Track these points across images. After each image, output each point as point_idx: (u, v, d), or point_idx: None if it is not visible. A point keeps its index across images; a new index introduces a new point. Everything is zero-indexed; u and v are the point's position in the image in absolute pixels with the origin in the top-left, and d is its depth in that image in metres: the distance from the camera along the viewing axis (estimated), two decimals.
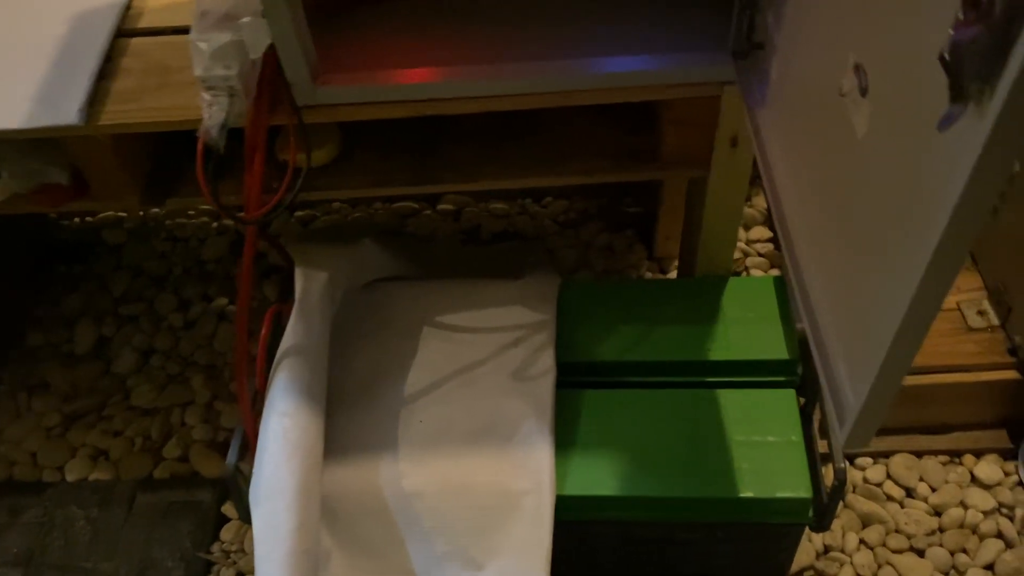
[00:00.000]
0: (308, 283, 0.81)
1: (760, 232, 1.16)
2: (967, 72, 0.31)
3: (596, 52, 0.72)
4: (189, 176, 0.78)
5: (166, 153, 0.85)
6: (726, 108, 0.73)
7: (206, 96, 0.69)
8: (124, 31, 0.80)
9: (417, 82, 0.72)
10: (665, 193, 1.05)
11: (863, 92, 0.46)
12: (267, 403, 0.74)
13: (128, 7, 0.82)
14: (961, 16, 0.31)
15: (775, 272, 1.12)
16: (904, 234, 0.41)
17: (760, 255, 1.14)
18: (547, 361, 0.80)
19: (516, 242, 1.17)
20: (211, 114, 0.68)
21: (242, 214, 0.73)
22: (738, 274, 1.12)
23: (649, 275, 1.14)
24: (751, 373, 0.81)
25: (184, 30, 0.80)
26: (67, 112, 0.72)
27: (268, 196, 0.73)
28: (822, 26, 0.54)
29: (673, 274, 1.13)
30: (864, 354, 0.45)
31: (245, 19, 0.65)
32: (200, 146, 0.68)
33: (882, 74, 0.44)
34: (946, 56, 0.32)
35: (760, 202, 1.19)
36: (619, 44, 0.73)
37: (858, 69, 0.46)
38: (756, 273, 1.13)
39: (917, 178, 0.40)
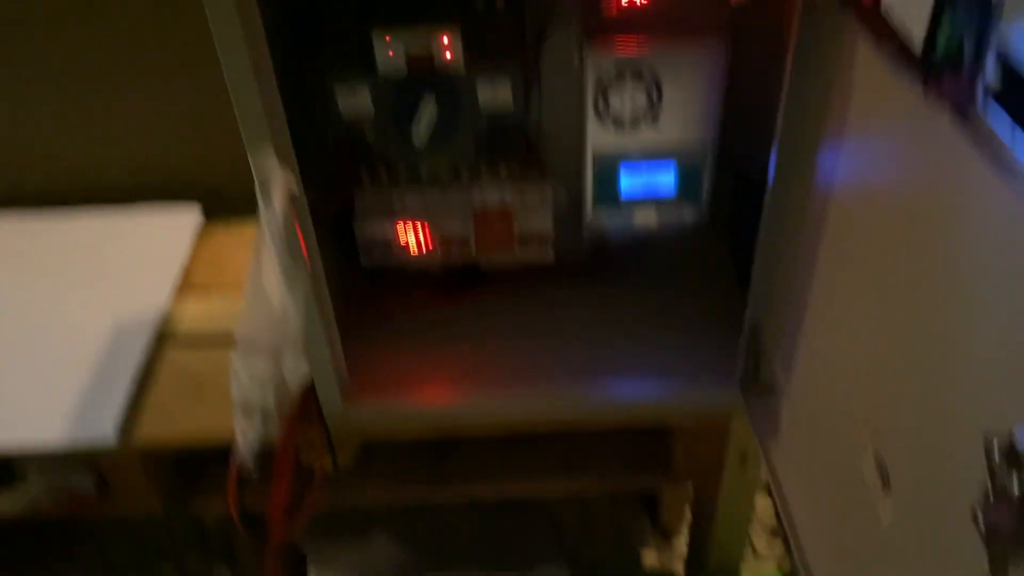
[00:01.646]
0: None
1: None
2: (1004, 548, 0.34)
3: (608, 377, 0.77)
4: (212, 472, 0.80)
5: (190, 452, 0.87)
6: (736, 428, 0.77)
7: (241, 420, 0.72)
8: (160, 341, 0.85)
9: (439, 404, 0.76)
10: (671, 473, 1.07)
11: (885, 483, 0.49)
12: None
13: (165, 317, 0.87)
14: (992, 497, 0.34)
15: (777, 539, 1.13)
16: None
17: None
18: None
19: (523, 515, 1.17)
20: (246, 442, 0.70)
21: (266, 531, 0.74)
22: None
23: (654, 550, 1.14)
24: None
25: (217, 341, 0.85)
26: (103, 431, 0.75)
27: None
28: (837, 395, 0.58)
29: (679, 546, 1.13)
30: None
31: (286, 355, 0.69)
32: (233, 472, 0.70)
33: (906, 468, 0.47)
34: (981, 526, 0.35)
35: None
36: (630, 368, 0.78)
37: (879, 462, 0.49)
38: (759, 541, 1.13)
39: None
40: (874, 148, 0.49)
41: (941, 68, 0.37)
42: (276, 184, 0.60)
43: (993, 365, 0.37)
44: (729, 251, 0.83)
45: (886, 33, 0.41)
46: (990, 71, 0.34)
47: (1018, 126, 0.32)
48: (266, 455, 0.73)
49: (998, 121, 0.34)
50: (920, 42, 0.38)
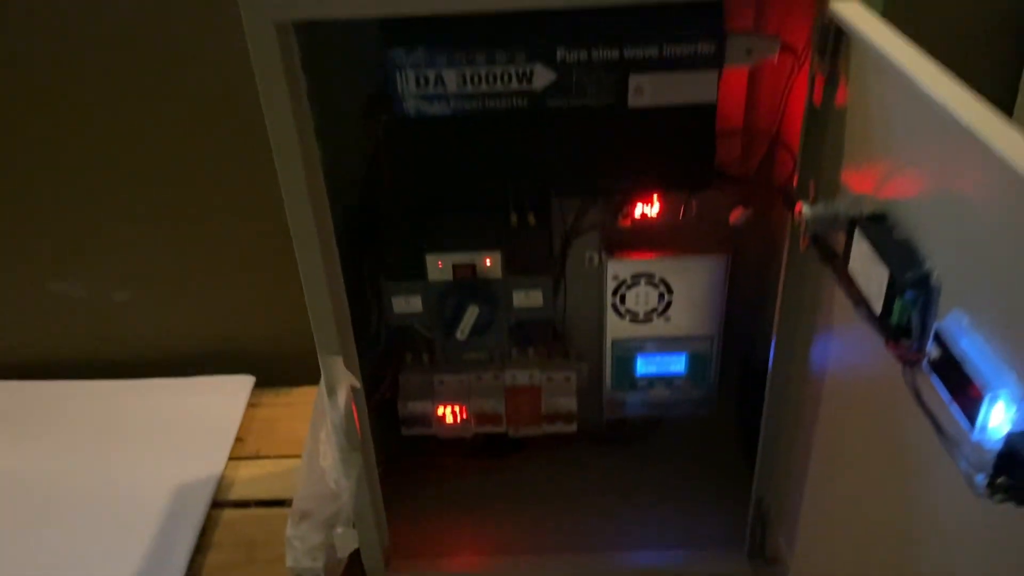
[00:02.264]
0: None
1: None
2: None
3: (626, 546, 0.84)
4: None
5: None
6: None
7: None
8: (217, 502, 0.92)
9: (474, 571, 0.83)
10: None
11: None
12: None
13: (221, 478, 0.95)
14: None
15: None
16: None
17: None
18: None
19: None
20: None
21: None
22: None
23: None
24: None
25: (268, 503, 0.92)
26: None
27: None
28: (837, 568, 0.65)
29: None
30: None
31: (339, 529, 0.77)
32: None
33: None
34: None
35: None
36: (647, 538, 0.85)
37: None
38: None
39: None
40: (852, 353, 0.58)
41: (896, 333, 0.46)
42: (341, 382, 0.70)
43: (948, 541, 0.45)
44: (737, 429, 0.91)
45: (854, 292, 0.51)
46: (931, 344, 0.44)
47: (948, 392, 0.41)
48: None
49: (938, 384, 0.43)
50: (879, 310, 0.47)
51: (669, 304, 0.81)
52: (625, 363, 0.84)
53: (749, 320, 0.85)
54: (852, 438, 0.60)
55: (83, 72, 0.93)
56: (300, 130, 0.60)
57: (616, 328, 0.83)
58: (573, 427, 0.87)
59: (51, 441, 1.00)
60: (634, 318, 0.82)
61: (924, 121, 0.45)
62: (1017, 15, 0.92)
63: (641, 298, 0.81)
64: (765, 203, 0.76)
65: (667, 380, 0.85)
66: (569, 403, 0.85)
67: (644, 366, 0.84)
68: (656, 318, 0.82)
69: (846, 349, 0.59)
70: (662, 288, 0.80)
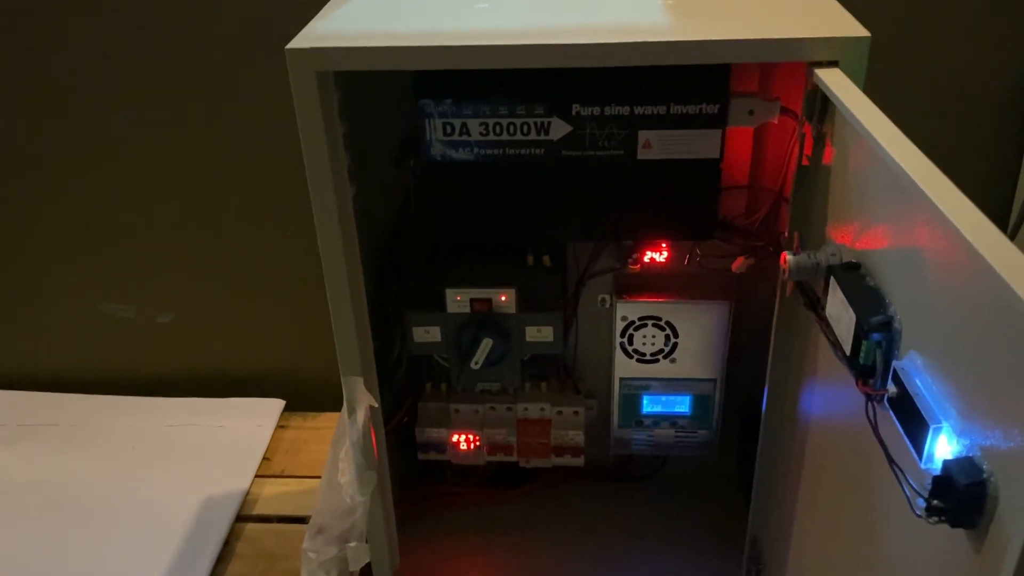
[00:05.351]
0: None
1: None
2: None
3: None
4: None
5: None
6: None
7: None
8: (241, 516, 0.98)
9: None
10: None
11: None
12: None
13: (247, 493, 1.00)
14: None
15: None
16: None
17: None
18: None
19: None
20: None
21: None
22: None
23: None
24: None
25: (289, 519, 0.97)
26: None
27: None
28: None
29: None
30: None
31: (352, 543, 0.81)
32: None
33: None
34: None
35: None
36: (647, 570, 0.89)
37: None
38: None
39: None
40: (832, 395, 0.62)
41: (863, 372, 0.50)
42: (361, 402, 0.75)
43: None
44: (739, 472, 0.94)
45: (831, 335, 0.55)
46: (890, 384, 0.48)
47: (901, 426, 0.45)
48: None
49: (894, 418, 0.47)
50: (849, 351, 0.52)
51: (675, 346, 0.85)
52: (632, 401, 0.88)
53: (753, 367, 0.88)
54: (828, 476, 0.64)
55: (143, 111, 1.01)
56: (335, 170, 0.66)
57: (624, 367, 0.87)
58: (580, 461, 0.91)
59: (90, 452, 1.06)
60: (641, 358, 0.86)
61: (887, 182, 0.49)
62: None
63: (648, 339, 0.85)
64: (767, 255, 0.80)
65: (672, 420, 0.89)
66: (577, 437, 0.90)
67: (650, 405, 0.88)
68: (662, 359, 0.86)
69: (827, 392, 0.63)
70: (668, 331, 0.84)
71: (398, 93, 0.73)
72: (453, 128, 0.72)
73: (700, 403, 0.88)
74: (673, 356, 0.86)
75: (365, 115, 0.75)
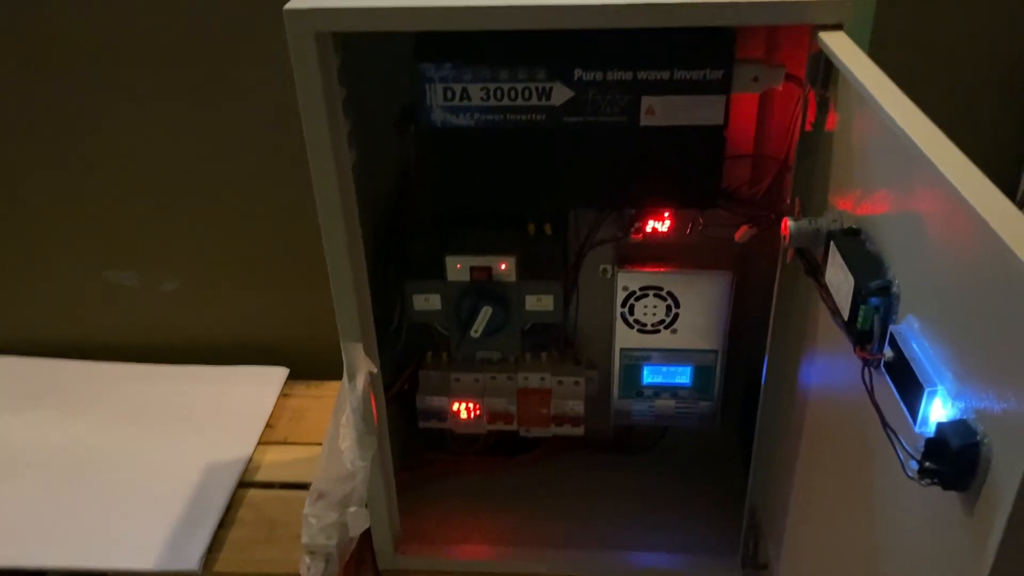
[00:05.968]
0: None
1: None
2: None
3: (627, 547, 0.88)
4: None
5: None
6: None
7: (307, 559, 0.84)
8: (244, 482, 0.98)
9: (479, 559, 0.88)
10: None
11: None
12: None
13: (249, 460, 1.01)
14: None
15: None
16: None
17: None
18: None
19: None
20: None
21: None
22: None
23: None
24: None
25: (291, 485, 0.98)
26: (189, 559, 0.87)
27: None
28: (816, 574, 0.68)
29: None
30: None
31: (352, 508, 0.82)
32: None
33: None
34: None
35: None
36: (648, 541, 0.89)
37: None
38: None
39: None
40: (831, 362, 0.62)
41: (860, 337, 0.50)
42: (360, 367, 0.75)
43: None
44: (739, 443, 0.94)
45: (830, 301, 0.55)
46: (887, 348, 0.47)
47: (897, 390, 0.45)
48: None
49: (890, 382, 0.46)
50: (847, 317, 0.51)
51: (676, 317, 0.85)
52: (632, 372, 0.88)
53: (755, 339, 0.88)
54: (827, 444, 0.64)
55: (146, 77, 1.01)
56: (334, 136, 0.66)
57: (625, 337, 0.87)
58: (580, 430, 0.91)
59: (96, 417, 1.07)
60: (642, 329, 0.86)
61: (889, 143, 0.49)
62: None
63: (649, 310, 0.85)
64: (770, 225, 0.79)
65: (672, 391, 0.89)
66: (577, 407, 0.90)
67: (650, 376, 0.88)
68: (663, 330, 0.86)
69: (827, 360, 0.63)
70: (669, 301, 0.84)
71: (399, 58, 0.73)
72: (454, 93, 0.71)
73: (701, 374, 0.88)
74: (674, 327, 0.85)
75: (366, 81, 0.74)
